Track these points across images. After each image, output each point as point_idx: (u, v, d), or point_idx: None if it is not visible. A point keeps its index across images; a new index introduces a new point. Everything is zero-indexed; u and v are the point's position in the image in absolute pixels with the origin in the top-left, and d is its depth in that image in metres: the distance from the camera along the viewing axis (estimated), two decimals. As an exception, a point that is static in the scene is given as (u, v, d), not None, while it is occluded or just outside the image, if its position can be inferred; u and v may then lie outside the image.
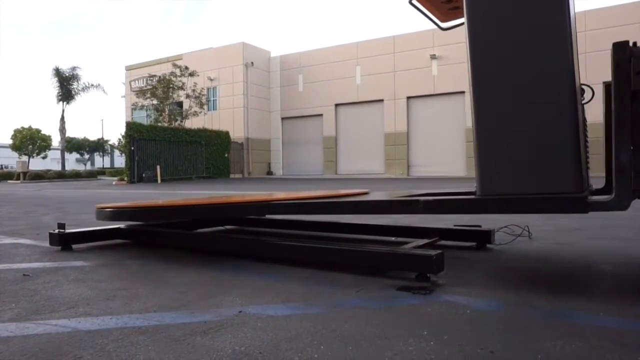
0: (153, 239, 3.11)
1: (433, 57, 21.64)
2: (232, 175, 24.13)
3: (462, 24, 2.76)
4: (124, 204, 3.51)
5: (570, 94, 1.87)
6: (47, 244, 3.12)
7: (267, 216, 3.75)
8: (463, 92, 21.04)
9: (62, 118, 33.08)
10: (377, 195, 2.98)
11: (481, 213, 2.00)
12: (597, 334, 1.37)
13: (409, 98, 22.70)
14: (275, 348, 1.31)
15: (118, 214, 3.15)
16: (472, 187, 2.17)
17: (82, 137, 57.33)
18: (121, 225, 3.34)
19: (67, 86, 32.50)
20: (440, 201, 2.15)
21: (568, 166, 1.86)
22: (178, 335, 1.43)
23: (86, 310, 1.70)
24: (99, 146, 57.66)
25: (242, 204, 2.82)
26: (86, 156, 60.69)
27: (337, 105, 24.89)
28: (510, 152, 1.94)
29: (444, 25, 3.04)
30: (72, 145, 51.90)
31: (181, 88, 23.44)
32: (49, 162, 45.15)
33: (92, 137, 65.33)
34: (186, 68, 23.59)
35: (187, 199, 3.82)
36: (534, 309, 1.64)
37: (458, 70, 21.03)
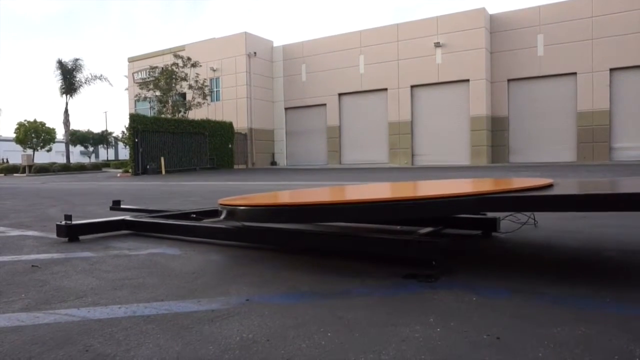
0: (157, 230, 3.12)
1: (437, 45, 21.43)
2: (235, 166, 24.16)
3: None
4: (254, 200, 2.64)
5: None
6: (54, 235, 3.14)
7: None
8: (467, 81, 20.87)
9: (66, 111, 33.16)
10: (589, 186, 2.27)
11: None
12: (604, 320, 1.38)
13: (413, 87, 22.55)
14: (282, 335, 1.33)
15: (273, 212, 2.27)
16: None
17: (86, 130, 57.47)
18: (127, 216, 3.36)
19: (70, 79, 32.48)
20: None
21: None
22: (186, 324, 1.44)
23: (95, 300, 1.72)
24: (103, 138, 57.80)
25: (456, 198, 1.97)
26: (90, 149, 60.88)
27: (340, 94, 24.78)
28: None
29: None
30: (76, 138, 52.07)
31: (184, 79, 23.39)
32: (54, 155, 45.25)
33: (96, 129, 65.45)
34: (188, 59, 23.52)
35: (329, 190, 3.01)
36: (540, 295, 1.64)
37: (462, 58, 20.85)
